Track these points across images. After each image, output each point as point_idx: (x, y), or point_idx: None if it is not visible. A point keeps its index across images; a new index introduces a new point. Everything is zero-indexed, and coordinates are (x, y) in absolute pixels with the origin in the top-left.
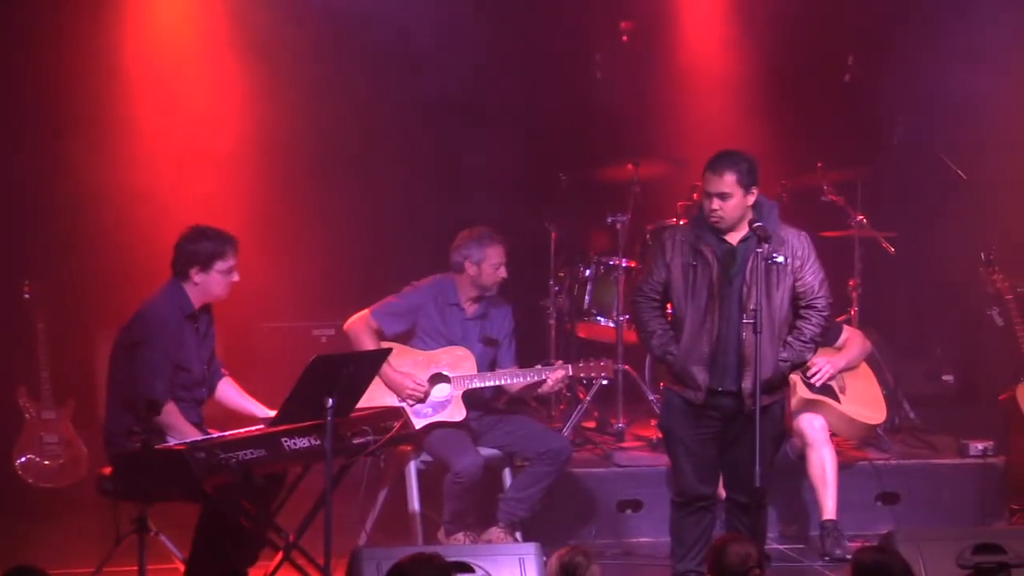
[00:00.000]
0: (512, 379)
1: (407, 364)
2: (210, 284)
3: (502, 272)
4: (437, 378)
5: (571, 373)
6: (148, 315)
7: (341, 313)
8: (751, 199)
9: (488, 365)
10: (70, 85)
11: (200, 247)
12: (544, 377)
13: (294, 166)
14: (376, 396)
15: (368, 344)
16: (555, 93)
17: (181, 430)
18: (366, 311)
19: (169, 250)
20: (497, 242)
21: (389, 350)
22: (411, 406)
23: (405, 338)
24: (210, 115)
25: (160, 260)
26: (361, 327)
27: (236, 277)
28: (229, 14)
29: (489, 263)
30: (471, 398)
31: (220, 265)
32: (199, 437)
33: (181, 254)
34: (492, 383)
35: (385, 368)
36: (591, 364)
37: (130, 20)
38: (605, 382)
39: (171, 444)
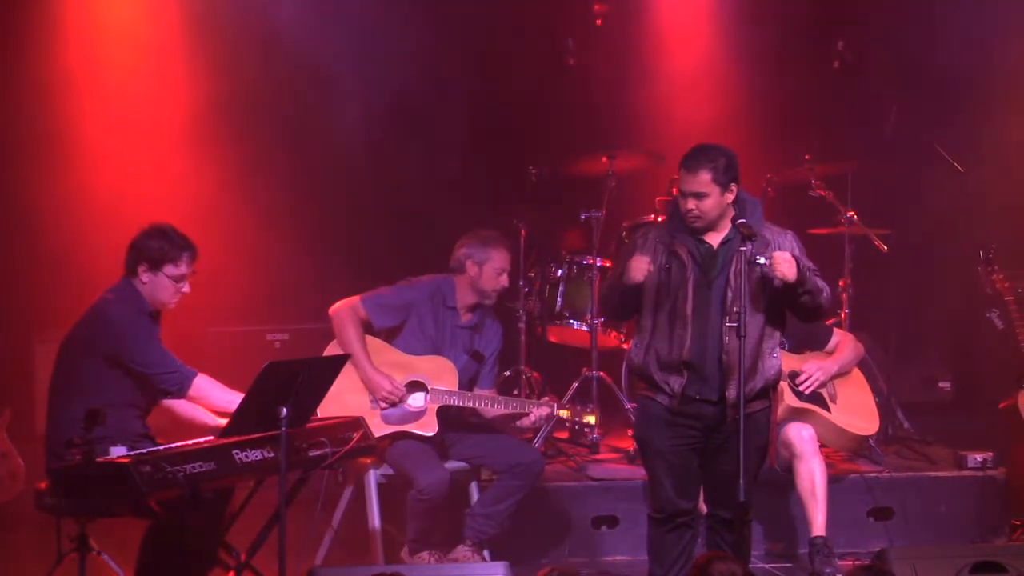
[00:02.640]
0: (493, 405)
1: (385, 364)
2: (157, 287)
3: (504, 280)
4: (414, 386)
5: (555, 414)
6: (113, 314)
7: (296, 316)
8: (730, 197)
9: (468, 380)
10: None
11: (153, 244)
12: (528, 411)
13: (247, 164)
14: (344, 391)
15: (351, 333)
16: (524, 81)
17: (221, 399)
18: (356, 297)
19: (110, 254)
20: (503, 247)
21: (348, 356)
22: (381, 409)
23: (388, 335)
24: (153, 113)
25: (101, 265)
26: (347, 314)
27: (187, 288)
28: (179, 11)
29: (492, 266)
30: (443, 412)
31: (170, 269)
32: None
33: (133, 249)
34: (471, 404)
35: (365, 363)
36: (577, 408)
37: (69, 14)
38: (595, 436)
39: (115, 456)
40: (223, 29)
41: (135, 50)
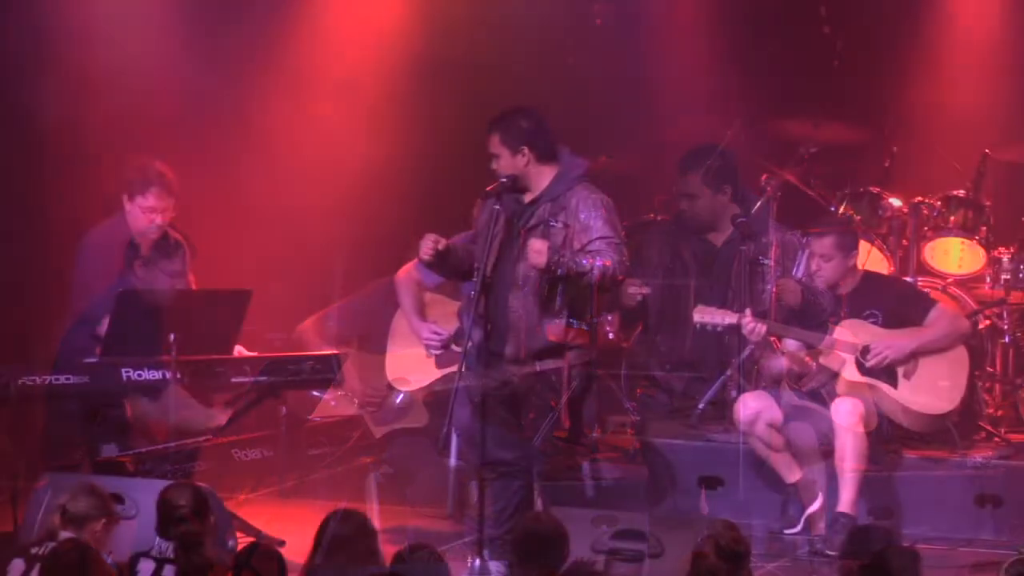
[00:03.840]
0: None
1: (436, 314)
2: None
3: None
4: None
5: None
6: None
7: (296, 316)
8: (723, 198)
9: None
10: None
11: (129, 175)
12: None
13: (248, 164)
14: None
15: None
16: (522, 79)
17: None
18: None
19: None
20: None
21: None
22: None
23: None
24: (152, 113)
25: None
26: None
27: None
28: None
29: None
30: (432, 404)
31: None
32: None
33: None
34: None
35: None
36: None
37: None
38: (594, 435)
39: (114, 456)
40: (222, 29)
41: (136, 51)
